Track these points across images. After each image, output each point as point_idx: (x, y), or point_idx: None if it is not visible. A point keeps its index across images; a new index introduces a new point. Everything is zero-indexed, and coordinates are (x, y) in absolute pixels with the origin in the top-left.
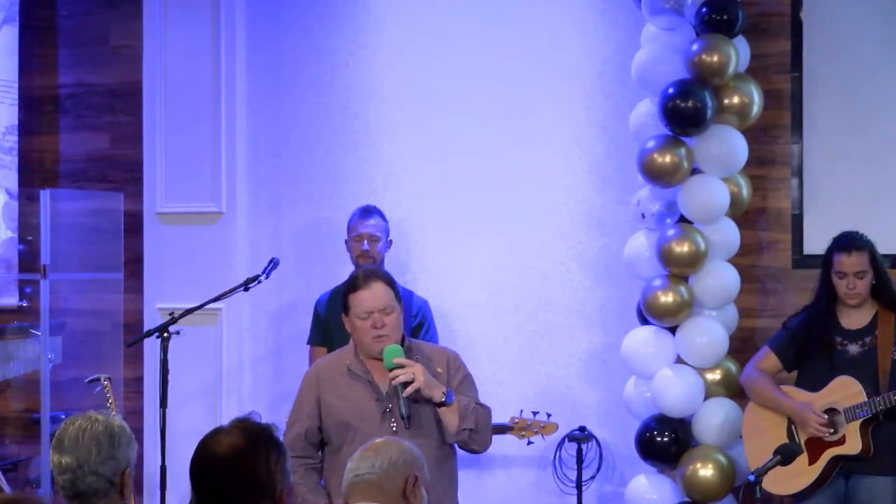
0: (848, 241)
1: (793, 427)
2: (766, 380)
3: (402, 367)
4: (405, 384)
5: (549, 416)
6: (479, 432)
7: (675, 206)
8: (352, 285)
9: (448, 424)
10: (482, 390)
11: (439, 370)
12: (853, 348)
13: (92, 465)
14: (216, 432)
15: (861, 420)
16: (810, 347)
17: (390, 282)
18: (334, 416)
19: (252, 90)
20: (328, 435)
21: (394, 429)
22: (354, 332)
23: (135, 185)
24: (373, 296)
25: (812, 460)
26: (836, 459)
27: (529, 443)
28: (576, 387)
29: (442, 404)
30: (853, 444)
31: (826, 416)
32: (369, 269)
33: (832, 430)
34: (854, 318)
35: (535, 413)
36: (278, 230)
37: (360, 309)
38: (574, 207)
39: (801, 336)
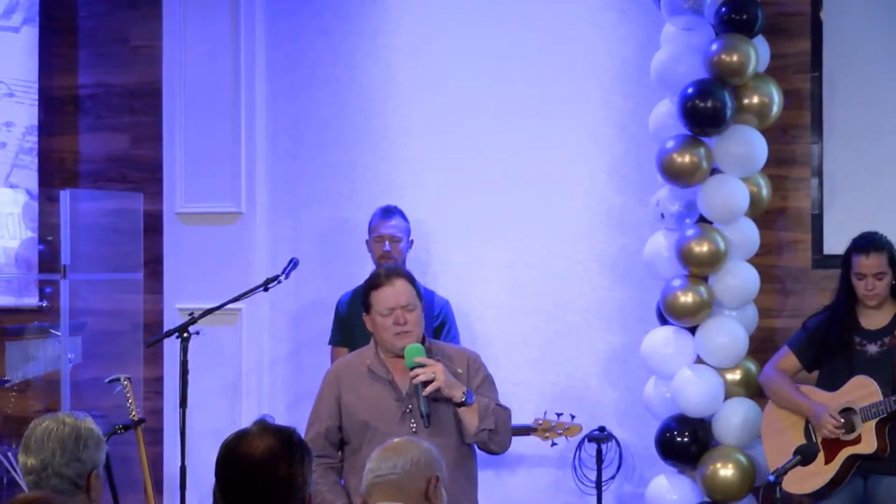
0: (866, 243)
1: (810, 426)
2: (785, 380)
3: (422, 366)
4: (425, 383)
5: (573, 417)
6: (499, 433)
7: (694, 206)
8: (373, 283)
9: (468, 425)
10: (501, 390)
11: (459, 370)
12: (872, 348)
13: (56, 466)
14: (245, 435)
15: (877, 420)
16: (830, 348)
17: (411, 279)
18: (354, 416)
19: (271, 90)
20: (348, 434)
21: (413, 429)
22: (376, 329)
23: (154, 185)
24: (395, 292)
25: (828, 459)
26: (853, 459)
27: (553, 444)
28: (595, 387)
29: (462, 404)
30: (868, 444)
31: (842, 419)
32: (390, 267)
33: (846, 432)
34: (874, 319)
35: (558, 414)
36: (298, 230)
37: (383, 306)
38: (593, 207)
39: (821, 336)
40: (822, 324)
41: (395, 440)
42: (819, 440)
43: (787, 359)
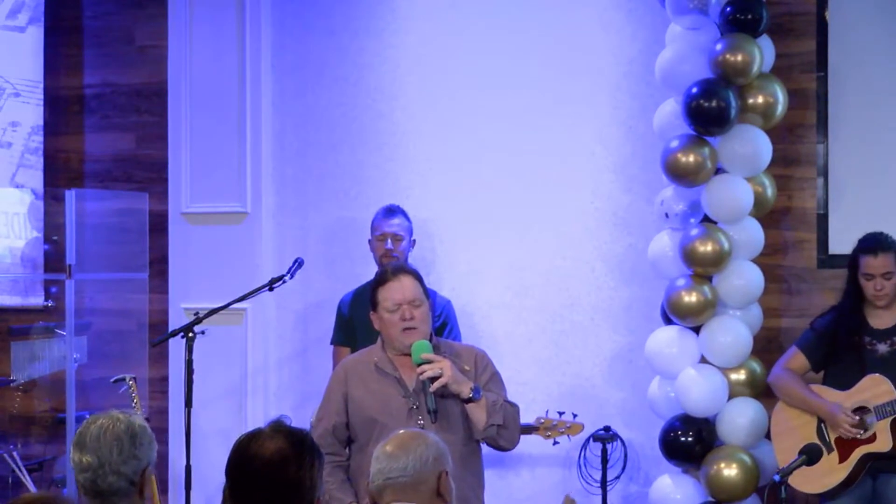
0: (874, 243)
1: (822, 425)
2: (796, 379)
3: (430, 362)
4: (433, 379)
5: (574, 416)
6: (508, 428)
7: (698, 206)
8: (380, 279)
9: (476, 420)
10: (507, 390)
11: (467, 367)
12: (882, 348)
13: (113, 464)
14: (257, 436)
15: (891, 418)
16: (839, 348)
17: (418, 276)
18: (361, 412)
19: (277, 90)
20: (355, 431)
21: (421, 425)
22: (383, 326)
23: (160, 185)
24: (402, 288)
25: (842, 458)
26: (867, 458)
27: (555, 443)
28: (601, 386)
29: (470, 400)
30: (884, 442)
31: (857, 418)
32: (397, 264)
33: (863, 431)
34: (882, 318)
35: (560, 413)
36: (304, 230)
37: (390, 301)
38: (600, 207)
39: (830, 336)
40: (831, 324)
41: (400, 432)
42: (833, 439)
43: (795, 358)
